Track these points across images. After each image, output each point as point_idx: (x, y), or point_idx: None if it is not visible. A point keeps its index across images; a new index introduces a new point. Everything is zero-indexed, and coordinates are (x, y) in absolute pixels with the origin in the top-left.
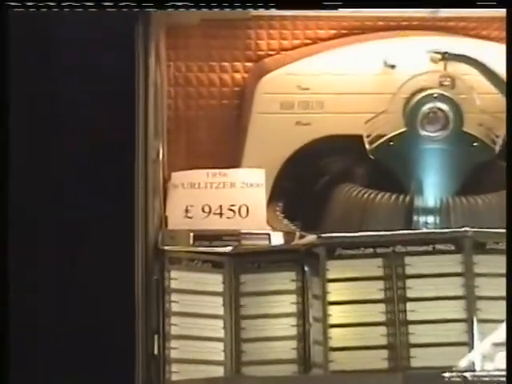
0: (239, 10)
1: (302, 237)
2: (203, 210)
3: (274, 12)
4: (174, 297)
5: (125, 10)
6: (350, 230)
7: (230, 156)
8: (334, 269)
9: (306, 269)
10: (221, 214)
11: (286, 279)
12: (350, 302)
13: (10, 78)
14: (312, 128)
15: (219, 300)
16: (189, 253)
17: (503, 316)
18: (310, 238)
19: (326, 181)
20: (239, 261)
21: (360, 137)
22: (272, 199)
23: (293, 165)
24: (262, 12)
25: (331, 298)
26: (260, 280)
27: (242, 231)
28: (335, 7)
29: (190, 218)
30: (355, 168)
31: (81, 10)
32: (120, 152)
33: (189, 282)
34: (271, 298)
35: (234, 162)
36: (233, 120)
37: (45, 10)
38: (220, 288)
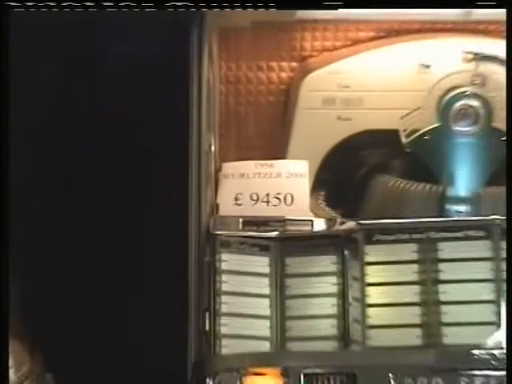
0: (270, 11)
1: (342, 223)
2: (251, 198)
3: (317, 15)
4: (224, 277)
5: (125, 9)
6: (387, 218)
7: (275, 149)
8: (372, 253)
9: (346, 253)
10: (267, 202)
11: (327, 262)
12: (387, 283)
13: (10, 79)
14: (352, 123)
15: (265, 281)
16: (238, 237)
17: None
18: (350, 224)
19: (365, 172)
20: (284, 245)
21: (396, 131)
22: (315, 188)
23: (334, 157)
24: (306, 15)
25: (369, 279)
26: (303, 263)
27: (287, 217)
28: (335, 7)
29: (239, 205)
30: (392, 160)
31: (81, 10)
32: (176, 145)
33: (238, 263)
34: (314, 279)
35: (280, 154)
36: (279, 115)
37: (45, 9)
38: (266, 270)
